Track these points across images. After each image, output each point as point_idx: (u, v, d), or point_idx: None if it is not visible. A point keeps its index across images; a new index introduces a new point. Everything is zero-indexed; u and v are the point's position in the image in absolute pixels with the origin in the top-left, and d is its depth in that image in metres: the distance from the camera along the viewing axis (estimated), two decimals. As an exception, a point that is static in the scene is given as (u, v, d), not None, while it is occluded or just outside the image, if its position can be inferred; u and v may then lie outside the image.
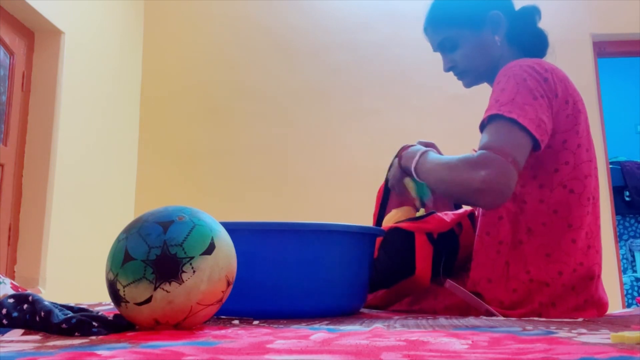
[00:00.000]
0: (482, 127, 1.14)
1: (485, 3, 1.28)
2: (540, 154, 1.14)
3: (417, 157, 1.19)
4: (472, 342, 0.62)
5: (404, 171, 1.28)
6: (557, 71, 1.19)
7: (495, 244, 1.18)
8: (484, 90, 1.38)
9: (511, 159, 1.05)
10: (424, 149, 1.22)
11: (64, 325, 0.71)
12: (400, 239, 1.22)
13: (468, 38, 1.28)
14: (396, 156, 1.32)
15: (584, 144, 1.19)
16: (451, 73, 1.35)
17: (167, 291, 0.73)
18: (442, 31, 1.30)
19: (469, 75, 1.33)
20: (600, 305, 1.19)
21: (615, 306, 3.01)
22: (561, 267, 1.14)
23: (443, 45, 1.32)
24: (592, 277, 1.16)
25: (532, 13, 1.30)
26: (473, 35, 1.27)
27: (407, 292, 1.28)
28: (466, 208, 1.38)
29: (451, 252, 1.25)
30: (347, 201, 3.27)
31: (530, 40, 1.28)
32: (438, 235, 1.22)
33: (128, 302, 0.74)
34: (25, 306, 0.77)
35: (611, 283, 3.12)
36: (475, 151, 1.10)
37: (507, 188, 1.04)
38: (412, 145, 1.29)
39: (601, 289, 1.21)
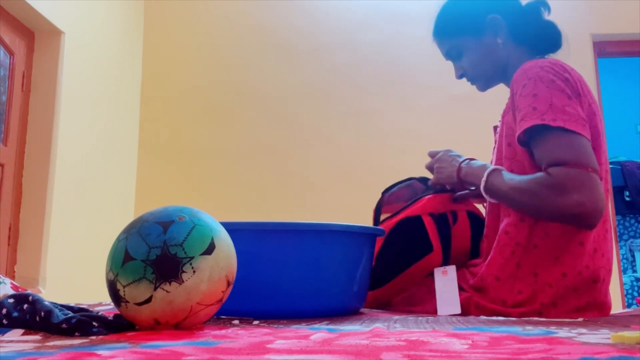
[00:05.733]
0: (528, 138, 1.13)
1: (483, 8, 1.29)
2: None
3: (485, 178, 1.17)
4: (472, 342, 0.62)
5: (462, 184, 1.28)
6: (573, 71, 1.18)
7: (512, 244, 1.17)
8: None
9: (590, 168, 1.06)
10: (489, 166, 1.19)
11: (64, 325, 0.71)
12: (410, 224, 1.26)
13: (471, 45, 1.30)
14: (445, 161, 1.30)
15: (600, 146, 1.17)
16: (452, 74, 1.36)
17: (167, 291, 0.73)
18: (447, 41, 1.34)
19: (480, 80, 1.34)
20: (602, 308, 1.18)
21: (615, 306, 3.01)
22: (566, 270, 1.14)
23: (450, 54, 1.35)
24: (596, 280, 1.16)
25: (536, 7, 1.29)
26: (475, 41, 1.30)
27: (421, 274, 1.28)
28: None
29: (446, 233, 1.27)
30: (347, 201, 3.27)
31: (537, 35, 1.28)
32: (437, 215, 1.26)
33: (128, 302, 0.74)
34: (25, 306, 0.77)
35: (611, 283, 3.11)
36: (545, 168, 1.09)
37: (602, 202, 1.06)
38: (455, 155, 1.29)
39: (606, 292, 1.20)
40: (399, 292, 1.33)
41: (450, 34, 1.32)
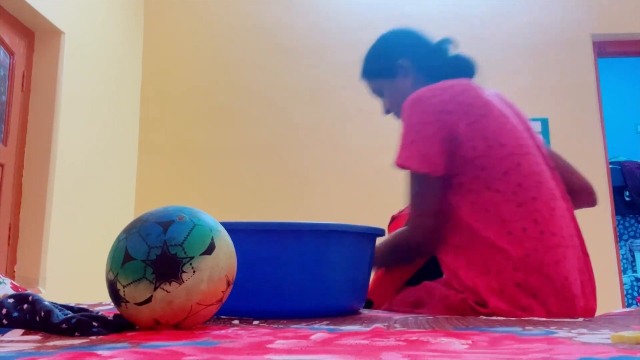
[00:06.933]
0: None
1: (396, 52, 1.43)
2: (456, 172, 1.22)
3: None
4: (472, 342, 0.62)
5: None
6: (454, 86, 1.26)
7: (449, 273, 1.27)
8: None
9: (419, 220, 1.25)
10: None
11: (64, 325, 0.71)
12: None
13: (387, 86, 1.45)
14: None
15: (498, 142, 1.21)
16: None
17: (167, 291, 0.73)
18: (369, 82, 1.49)
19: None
20: (564, 286, 1.16)
21: (615, 306, 3.01)
22: (514, 262, 1.16)
23: (374, 93, 1.50)
24: (557, 261, 1.16)
25: (442, 45, 1.43)
26: (390, 83, 1.44)
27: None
28: None
29: None
30: (347, 201, 3.27)
31: (445, 70, 1.38)
32: None
33: (128, 302, 0.74)
34: (25, 306, 0.77)
35: (611, 283, 3.12)
36: None
37: (425, 245, 1.27)
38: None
39: (569, 270, 1.19)
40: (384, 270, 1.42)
41: (371, 76, 1.47)
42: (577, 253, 1.24)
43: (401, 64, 1.41)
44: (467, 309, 1.18)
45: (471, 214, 1.20)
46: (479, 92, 1.27)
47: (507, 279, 1.14)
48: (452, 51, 1.43)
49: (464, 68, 1.39)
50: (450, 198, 1.23)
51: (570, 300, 1.15)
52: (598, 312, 1.27)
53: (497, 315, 1.13)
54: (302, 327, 0.83)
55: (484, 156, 1.21)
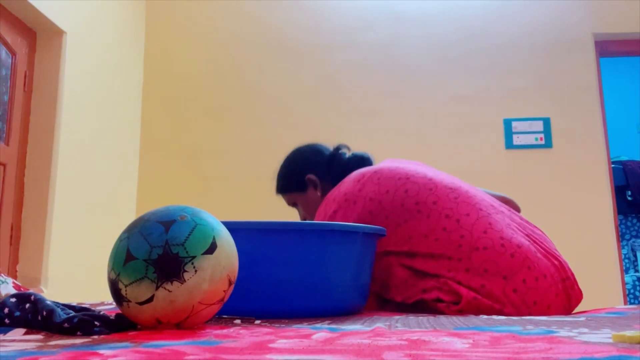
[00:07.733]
0: None
1: (303, 169, 1.62)
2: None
3: None
4: (473, 341, 0.62)
5: None
6: (329, 195, 1.41)
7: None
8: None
9: None
10: None
11: (65, 325, 0.71)
12: None
13: (300, 199, 1.64)
14: None
15: (382, 192, 1.32)
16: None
17: (168, 290, 0.73)
18: (284, 196, 1.69)
19: None
20: (498, 250, 1.21)
21: (617, 306, 3.01)
22: (452, 254, 1.22)
23: (290, 205, 1.68)
24: (485, 230, 1.23)
25: (337, 153, 1.61)
26: (302, 196, 1.63)
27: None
28: None
29: None
30: (349, 201, 3.27)
31: (346, 171, 1.50)
32: None
33: (130, 301, 0.75)
34: (27, 305, 0.77)
35: (613, 283, 3.11)
36: None
37: None
38: None
39: (501, 232, 1.24)
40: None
41: (284, 190, 1.67)
42: (507, 216, 1.31)
43: (309, 179, 1.60)
44: (447, 311, 1.20)
45: (404, 246, 1.28)
46: (352, 177, 1.41)
47: (459, 272, 1.21)
48: (348, 153, 1.62)
49: (360, 164, 1.56)
50: (383, 248, 1.30)
51: (515, 249, 1.21)
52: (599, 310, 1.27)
53: (470, 308, 1.17)
54: (304, 327, 0.83)
55: (379, 209, 1.31)
